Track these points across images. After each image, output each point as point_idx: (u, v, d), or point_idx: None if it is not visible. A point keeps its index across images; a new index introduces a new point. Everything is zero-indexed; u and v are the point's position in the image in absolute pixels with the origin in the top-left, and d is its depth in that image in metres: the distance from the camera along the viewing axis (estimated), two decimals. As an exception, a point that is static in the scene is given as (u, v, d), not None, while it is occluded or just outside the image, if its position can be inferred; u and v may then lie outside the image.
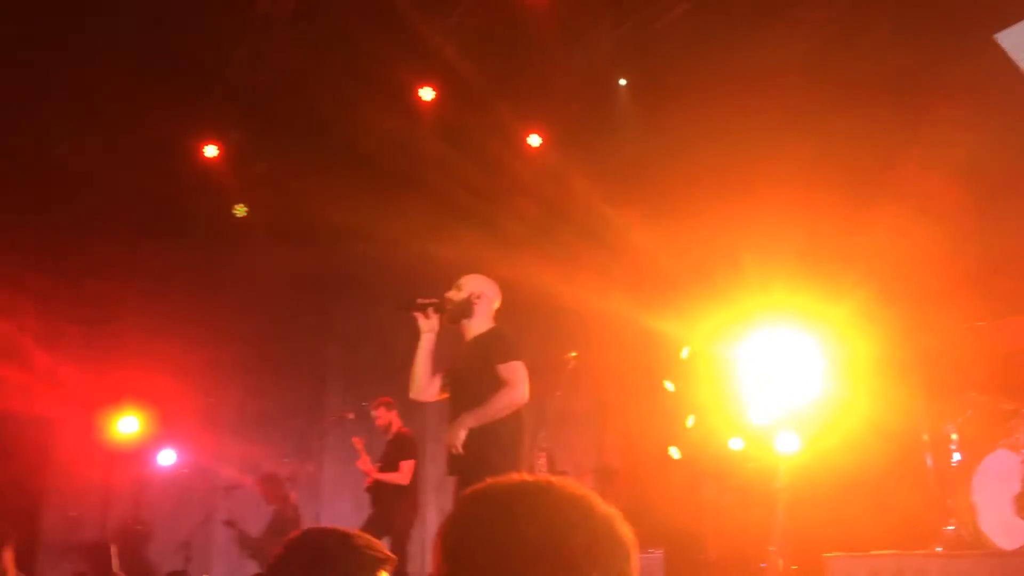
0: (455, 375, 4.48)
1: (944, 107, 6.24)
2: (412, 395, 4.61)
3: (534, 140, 8.57)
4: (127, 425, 8.54)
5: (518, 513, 1.14)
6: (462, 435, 4.24)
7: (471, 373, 4.34)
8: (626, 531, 1.17)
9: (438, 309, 4.49)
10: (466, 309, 4.50)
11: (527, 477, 1.21)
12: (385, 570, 1.98)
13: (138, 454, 8.72)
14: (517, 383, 4.25)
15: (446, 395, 4.54)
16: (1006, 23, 6.38)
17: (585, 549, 1.12)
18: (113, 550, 2.67)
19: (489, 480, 1.22)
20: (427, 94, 8.19)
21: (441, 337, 4.57)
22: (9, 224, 8.50)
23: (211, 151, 8.53)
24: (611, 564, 1.13)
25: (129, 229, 9.08)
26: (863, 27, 6.90)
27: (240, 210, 8.83)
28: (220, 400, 9.20)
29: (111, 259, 9.26)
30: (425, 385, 4.54)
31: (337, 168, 8.09)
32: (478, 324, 4.51)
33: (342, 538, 1.99)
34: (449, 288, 4.60)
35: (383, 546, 2.00)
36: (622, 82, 8.07)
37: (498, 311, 4.59)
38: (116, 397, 8.61)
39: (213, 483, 8.98)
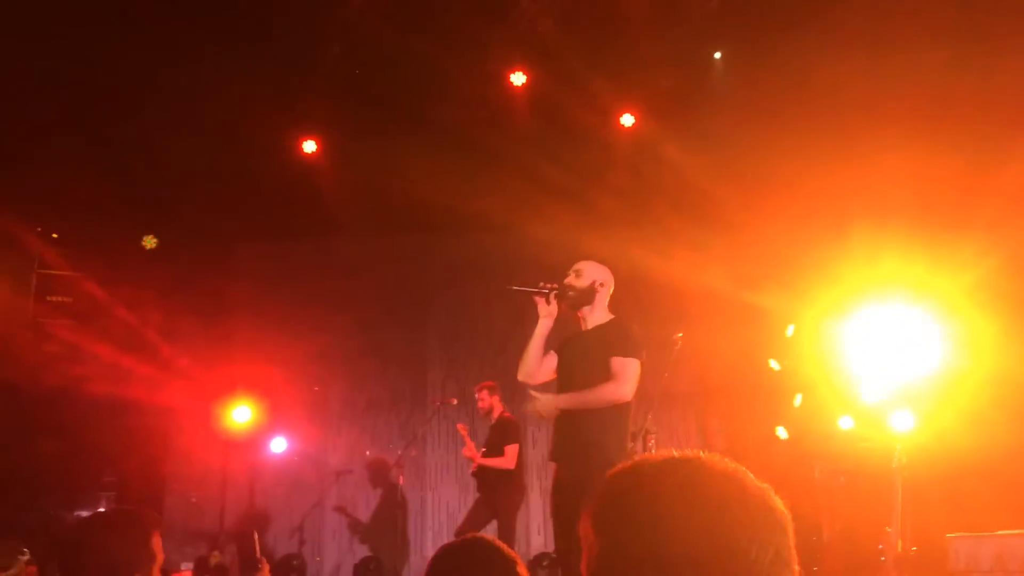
0: (569, 362, 4.39)
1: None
2: (520, 377, 4.57)
3: (627, 120, 8.44)
4: (241, 414, 8.85)
5: (672, 489, 1.11)
6: (549, 406, 4.21)
7: (587, 362, 4.27)
8: (780, 505, 1.13)
9: (560, 295, 4.44)
10: (588, 296, 4.43)
11: (676, 453, 1.17)
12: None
13: (252, 442, 9.03)
14: (625, 380, 4.17)
15: (553, 377, 4.51)
16: None
17: (742, 525, 1.08)
18: (256, 537, 2.78)
19: (638, 458, 1.19)
20: (519, 78, 8.17)
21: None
22: (131, 226, 8.97)
23: (310, 147, 8.72)
24: (768, 539, 1.08)
25: (236, 226, 9.39)
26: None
27: (149, 241, 9.14)
28: (326, 390, 9.46)
29: (221, 256, 9.62)
30: (535, 369, 4.50)
31: (433, 153, 8.12)
32: (599, 313, 4.44)
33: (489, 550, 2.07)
34: (562, 273, 4.54)
35: (508, 549, 2.07)
36: (717, 55, 7.86)
37: (614, 299, 4.52)
38: (230, 388, 8.94)
39: (323, 470, 9.24)
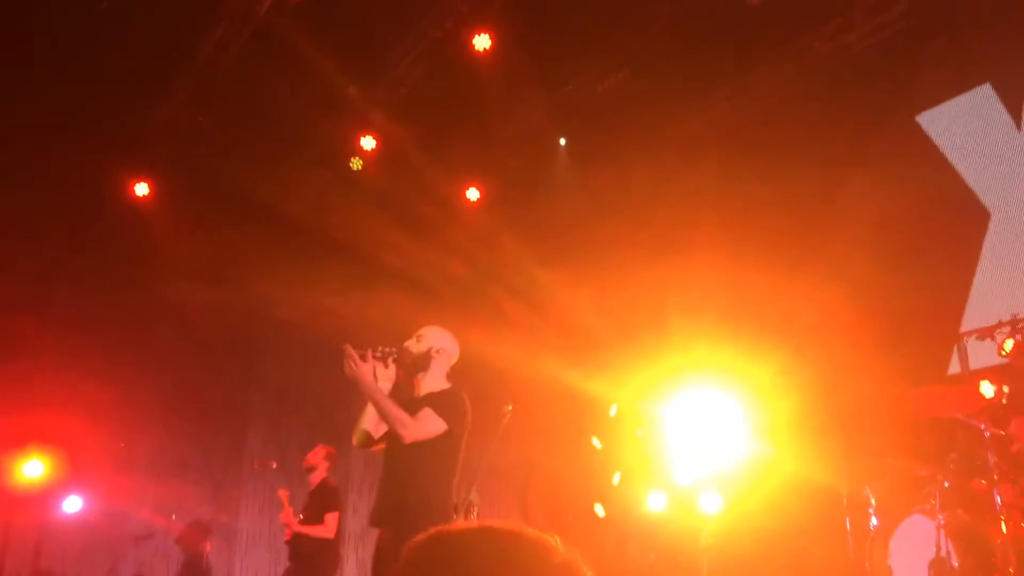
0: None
1: (860, 178, 6.57)
2: (356, 443, 4.48)
3: (472, 194, 8.65)
4: (32, 469, 8.14)
5: (471, 560, 1.12)
6: (359, 371, 4.15)
7: None
8: (582, 569, 1.15)
9: (397, 359, 4.40)
10: (424, 363, 4.41)
11: (476, 524, 1.18)
12: None
13: (42, 499, 8.30)
14: (420, 427, 4.14)
15: (382, 447, 4.45)
16: (928, 105, 6.79)
17: None
18: None
19: (438, 528, 1.20)
20: (366, 144, 8.22)
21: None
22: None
23: (142, 189, 8.36)
24: None
25: (47, 265, 8.79)
26: (792, 102, 7.25)
27: (356, 163, 8.45)
28: (134, 444, 8.89)
29: (29, 295, 8.93)
30: (371, 431, 4.43)
31: (265, 221, 8.02)
32: (433, 380, 4.42)
33: None
34: (393, 342, 4.51)
35: None
36: (562, 141, 8.24)
37: (453, 368, 4.53)
38: (22, 439, 8.22)
39: (123, 531, 8.59)
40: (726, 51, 6.99)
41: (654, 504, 7.23)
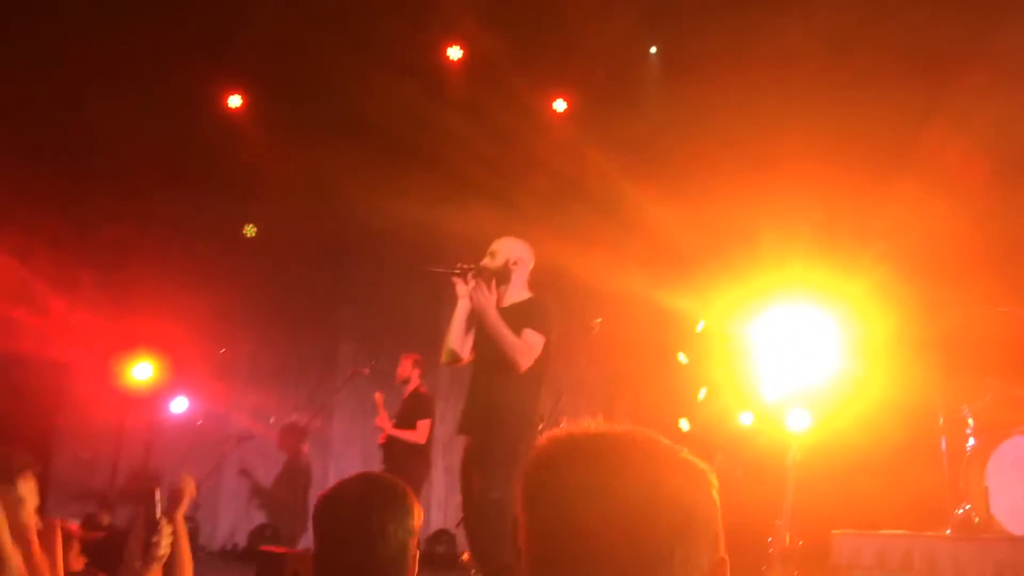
0: (486, 340, 4.39)
1: (968, 79, 6.17)
2: (444, 360, 4.57)
3: (559, 105, 8.50)
4: (141, 371, 8.59)
5: (606, 464, 1.10)
6: (487, 300, 4.23)
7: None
8: (715, 486, 1.14)
9: (477, 275, 4.44)
10: (504, 276, 4.44)
11: (611, 426, 1.17)
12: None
13: (151, 400, 8.77)
14: (530, 351, 4.23)
15: (470, 359, 4.52)
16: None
17: (674, 505, 1.09)
18: (158, 495, 2.66)
19: (573, 428, 1.19)
20: (453, 54, 8.14)
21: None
22: (26, 167, 8.50)
23: (235, 101, 8.49)
24: (693, 505, 1.10)
25: (146, 176, 9.06)
26: (895, 4, 6.81)
27: (249, 231, 8.87)
28: (233, 351, 9.25)
29: (127, 206, 9.27)
30: (458, 350, 4.51)
31: (353, 133, 8.05)
32: (515, 291, 4.46)
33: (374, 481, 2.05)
34: (475, 258, 4.54)
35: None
36: (653, 50, 7.99)
37: (532, 274, 4.54)
38: (130, 343, 8.65)
39: (225, 432, 9.04)
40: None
41: (742, 420, 7.20)
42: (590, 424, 1.17)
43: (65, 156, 8.69)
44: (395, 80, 8.10)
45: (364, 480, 2.09)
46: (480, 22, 7.77)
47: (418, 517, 2.02)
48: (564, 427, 1.18)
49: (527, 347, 4.22)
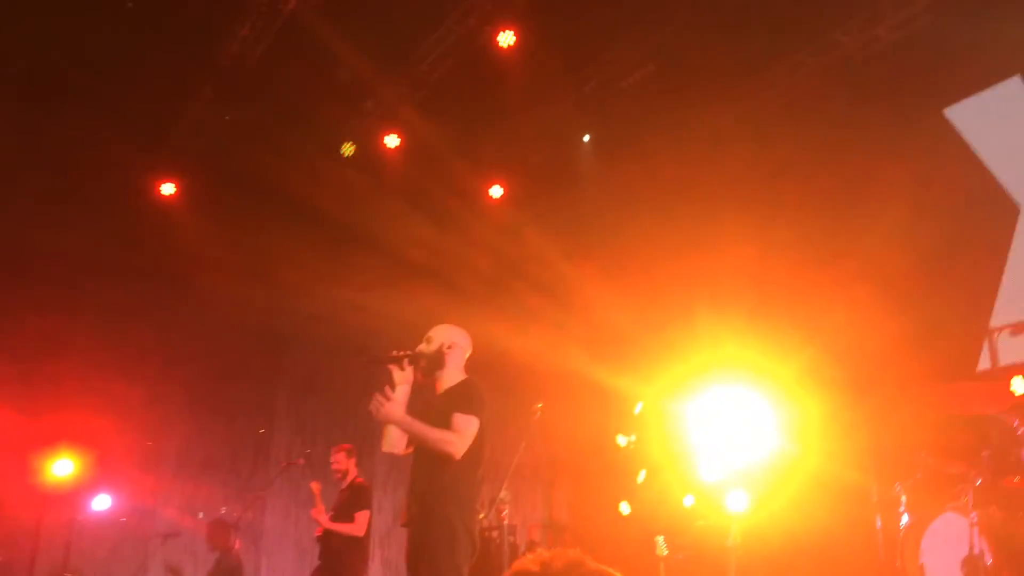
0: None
1: (888, 173, 6.51)
2: (385, 448, 4.50)
3: (496, 191, 8.65)
4: (62, 467, 8.22)
5: None
6: (393, 435, 4.19)
7: (436, 423, 4.27)
8: None
9: (412, 361, 4.43)
10: (438, 361, 4.43)
11: (555, 557, 1.18)
12: None
13: (72, 497, 8.38)
14: (461, 435, 4.19)
15: (411, 450, 4.46)
16: (956, 99, 6.71)
17: None
18: None
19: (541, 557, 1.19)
20: (390, 142, 8.26)
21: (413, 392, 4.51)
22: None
23: (168, 189, 8.42)
24: None
25: (78, 266, 8.87)
26: (818, 97, 7.19)
27: (348, 148, 8.46)
28: (161, 442, 8.95)
29: (56, 295, 9.00)
30: (398, 438, 4.46)
31: (290, 219, 8.07)
32: (450, 375, 4.44)
33: None
34: (415, 342, 4.54)
35: None
36: (586, 138, 8.22)
37: (470, 360, 4.54)
38: (52, 439, 8.30)
39: (151, 529, 8.66)
40: (752, 45, 6.96)
41: (681, 502, 7.21)
42: (546, 553, 1.18)
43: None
44: (332, 167, 8.18)
45: None
46: (417, 110, 7.92)
47: None
48: (528, 558, 1.18)
49: (456, 435, 4.18)
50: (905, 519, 5.28)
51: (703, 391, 6.93)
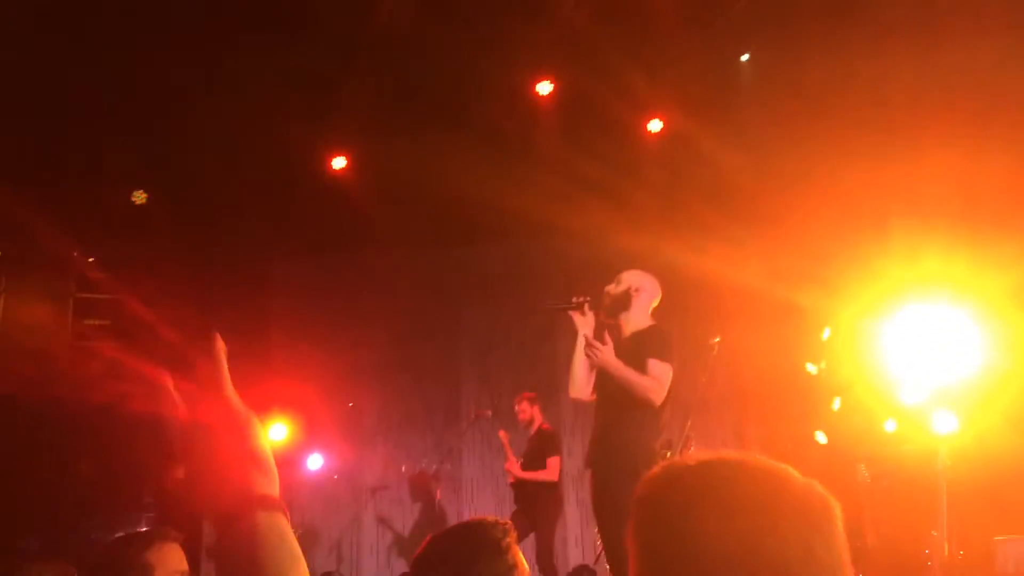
0: (605, 376, 4.36)
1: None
2: (572, 394, 4.58)
3: (655, 125, 8.41)
4: (277, 432, 8.90)
5: (704, 491, 1.08)
6: (604, 358, 4.17)
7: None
8: (824, 502, 1.09)
9: (594, 305, 4.45)
10: (624, 302, 4.44)
11: (714, 454, 1.13)
12: (512, 536, 2.00)
13: (287, 460, 9.07)
14: (660, 385, 4.17)
15: (595, 396, 4.50)
16: None
17: (772, 523, 1.05)
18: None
19: (669, 462, 1.16)
20: (545, 87, 8.20)
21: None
22: (170, 249, 9.03)
23: (339, 163, 8.79)
24: (796, 537, 1.05)
25: (272, 244, 9.48)
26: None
27: (139, 196, 8.80)
28: (360, 406, 9.49)
29: (259, 274, 9.71)
30: (584, 383, 4.51)
31: (464, 153, 8.12)
32: (636, 319, 4.44)
33: (470, 530, 2.04)
34: (603, 283, 4.54)
35: (498, 520, 2.01)
36: (744, 58, 7.81)
37: (657, 309, 4.50)
38: (267, 406, 8.98)
39: (359, 486, 9.26)
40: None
41: (882, 427, 6.85)
42: (708, 453, 1.14)
43: (197, 236, 9.15)
44: (491, 120, 8.21)
45: (454, 535, 2.07)
46: (566, 55, 7.79)
47: (520, 565, 1.99)
48: (676, 457, 1.16)
49: (656, 382, 4.17)
50: None
51: (900, 310, 6.48)
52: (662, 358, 4.21)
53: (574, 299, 4.49)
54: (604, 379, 4.40)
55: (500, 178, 7.89)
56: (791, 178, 7.48)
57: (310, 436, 9.09)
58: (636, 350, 4.29)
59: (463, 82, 7.90)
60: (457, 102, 8.04)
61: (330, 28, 7.20)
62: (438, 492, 8.15)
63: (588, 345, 4.29)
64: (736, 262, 7.54)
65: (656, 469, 1.16)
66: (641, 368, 4.18)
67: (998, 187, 6.21)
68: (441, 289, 9.53)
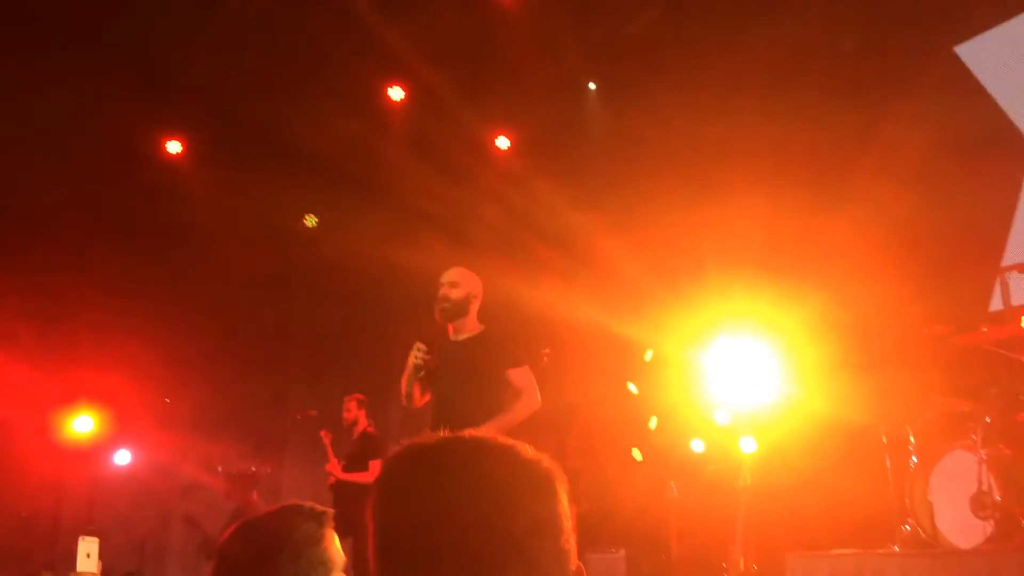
0: (447, 377, 4.33)
1: (900, 113, 6.43)
2: (407, 403, 4.53)
3: (502, 142, 8.60)
4: (82, 424, 8.38)
5: (438, 469, 1.12)
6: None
7: (473, 376, 4.26)
8: (549, 474, 1.14)
9: (441, 313, 4.40)
10: (464, 307, 4.45)
11: (464, 435, 1.18)
12: (328, 526, 1.96)
13: (93, 454, 8.55)
14: (532, 389, 4.24)
15: (427, 399, 4.49)
16: (967, 36, 6.60)
17: (496, 497, 1.10)
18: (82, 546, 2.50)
19: (411, 440, 1.19)
20: (394, 95, 8.22)
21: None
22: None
23: (174, 147, 8.42)
24: (521, 508, 1.09)
25: (88, 225, 8.92)
26: (828, 36, 7.08)
27: (311, 220, 8.72)
28: (179, 399, 9.08)
29: (69, 256, 9.08)
30: (420, 393, 4.48)
31: (301, 171, 8.04)
32: (470, 324, 4.47)
33: (281, 516, 1.97)
34: (426, 293, 4.54)
35: (314, 504, 1.97)
36: (591, 86, 8.14)
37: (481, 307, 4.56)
38: (71, 396, 8.44)
39: (170, 483, 8.83)
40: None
41: (693, 447, 7.28)
42: (434, 436, 1.19)
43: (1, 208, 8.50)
44: (338, 119, 8.13)
45: (263, 524, 1.99)
46: (421, 61, 7.85)
47: (332, 561, 1.96)
48: (404, 442, 1.21)
49: (528, 393, 4.22)
50: (914, 459, 5.31)
51: (712, 340, 6.94)
52: (521, 364, 4.29)
53: (416, 349, 4.38)
54: (454, 386, 4.33)
55: (333, 206, 7.86)
56: (618, 215, 7.89)
57: (120, 429, 8.60)
58: (480, 356, 4.32)
59: (304, 90, 7.79)
60: (296, 118, 7.90)
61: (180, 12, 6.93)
62: (255, 495, 7.90)
63: (413, 355, 4.27)
64: (567, 294, 7.85)
65: (396, 450, 1.20)
66: (499, 379, 4.23)
67: (793, 226, 6.81)
68: (273, 282, 9.28)
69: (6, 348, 8.16)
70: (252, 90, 7.94)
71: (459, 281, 4.48)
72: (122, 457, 8.69)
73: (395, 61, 7.89)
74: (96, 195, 8.55)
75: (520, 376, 4.24)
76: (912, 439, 5.35)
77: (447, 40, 7.57)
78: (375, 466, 7.17)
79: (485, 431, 4.05)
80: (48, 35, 7.03)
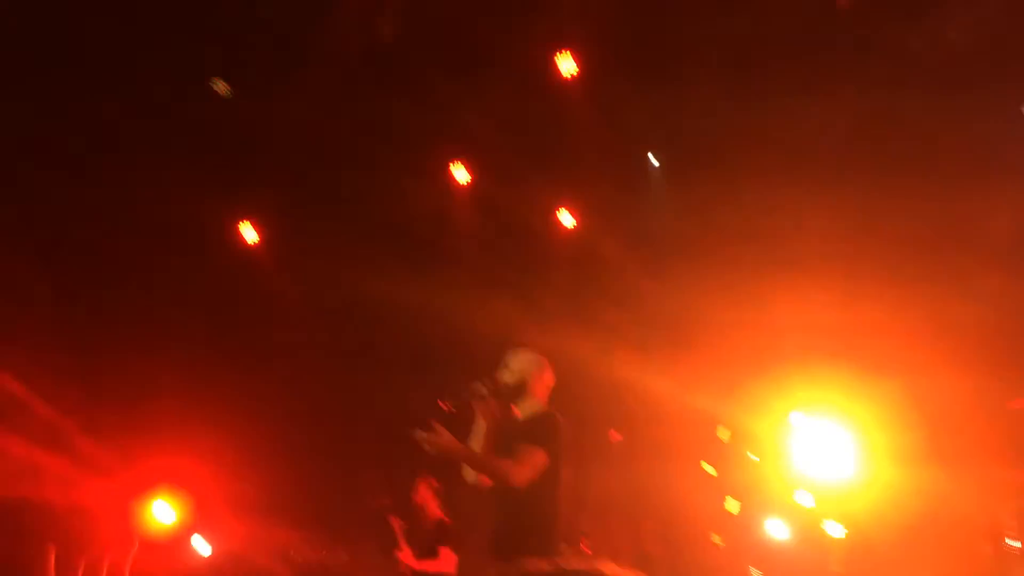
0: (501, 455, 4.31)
1: (987, 187, 6.13)
2: (470, 480, 4.46)
3: (566, 219, 8.57)
4: (163, 513, 8.45)
5: None
6: (437, 444, 4.08)
7: (509, 452, 4.20)
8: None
9: (494, 392, 4.35)
10: (519, 391, 4.39)
11: None
12: None
13: (173, 542, 8.61)
14: (522, 468, 4.10)
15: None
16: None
17: None
18: None
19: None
20: (461, 172, 8.32)
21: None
22: (50, 312, 8.61)
23: (250, 234, 8.63)
24: None
25: (165, 311, 9.13)
26: (907, 104, 6.78)
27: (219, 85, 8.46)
28: (255, 485, 9.10)
29: (148, 343, 9.28)
30: (476, 478, 4.42)
31: (374, 243, 8.12)
32: (533, 404, 4.39)
33: None
34: (495, 367, 4.47)
35: None
36: (654, 161, 8.06)
37: (553, 389, 4.45)
38: (152, 484, 8.54)
39: (247, 571, 8.81)
40: (834, 51, 6.65)
41: (775, 531, 6.94)
42: None
43: (84, 296, 8.77)
44: (411, 186, 8.25)
45: None
46: (484, 140, 7.94)
47: None
48: None
49: (518, 467, 4.09)
50: (1017, 543, 4.95)
51: (791, 419, 6.65)
52: (537, 443, 4.16)
53: (473, 388, 4.34)
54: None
55: (410, 273, 7.93)
56: (695, 284, 7.70)
57: (197, 517, 8.65)
58: (524, 436, 4.23)
59: (376, 165, 7.93)
60: (370, 196, 8.05)
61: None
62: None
63: (420, 440, 4.16)
64: (639, 364, 7.65)
65: None
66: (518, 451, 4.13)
67: (875, 303, 6.50)
68: (345, 363, 9.31)
69: (93, 434, 8.34)
70: (325, 163, 8.14)
71: (512, 364, 4.42)
72: (202, 546, 8.72)
73: (462, 136, 7.99)
74: (178, 280, 8.76)
75: (527, 452, 4.10)
76: (1008, 524, 4.98)
77: (507, 121, 7.63)
78: (446, 553, 7.02)
79: (458, 455, 3.82)
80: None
